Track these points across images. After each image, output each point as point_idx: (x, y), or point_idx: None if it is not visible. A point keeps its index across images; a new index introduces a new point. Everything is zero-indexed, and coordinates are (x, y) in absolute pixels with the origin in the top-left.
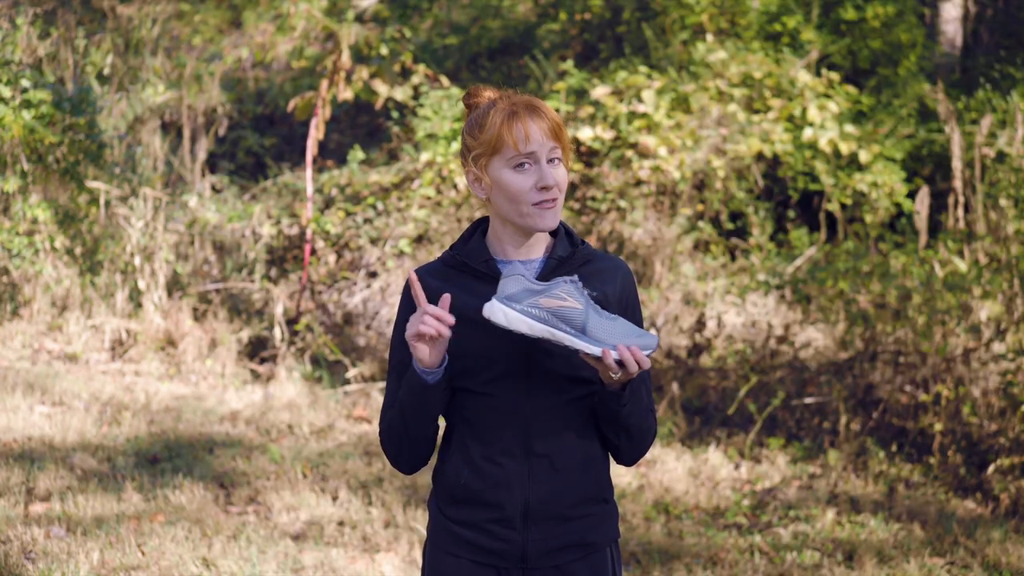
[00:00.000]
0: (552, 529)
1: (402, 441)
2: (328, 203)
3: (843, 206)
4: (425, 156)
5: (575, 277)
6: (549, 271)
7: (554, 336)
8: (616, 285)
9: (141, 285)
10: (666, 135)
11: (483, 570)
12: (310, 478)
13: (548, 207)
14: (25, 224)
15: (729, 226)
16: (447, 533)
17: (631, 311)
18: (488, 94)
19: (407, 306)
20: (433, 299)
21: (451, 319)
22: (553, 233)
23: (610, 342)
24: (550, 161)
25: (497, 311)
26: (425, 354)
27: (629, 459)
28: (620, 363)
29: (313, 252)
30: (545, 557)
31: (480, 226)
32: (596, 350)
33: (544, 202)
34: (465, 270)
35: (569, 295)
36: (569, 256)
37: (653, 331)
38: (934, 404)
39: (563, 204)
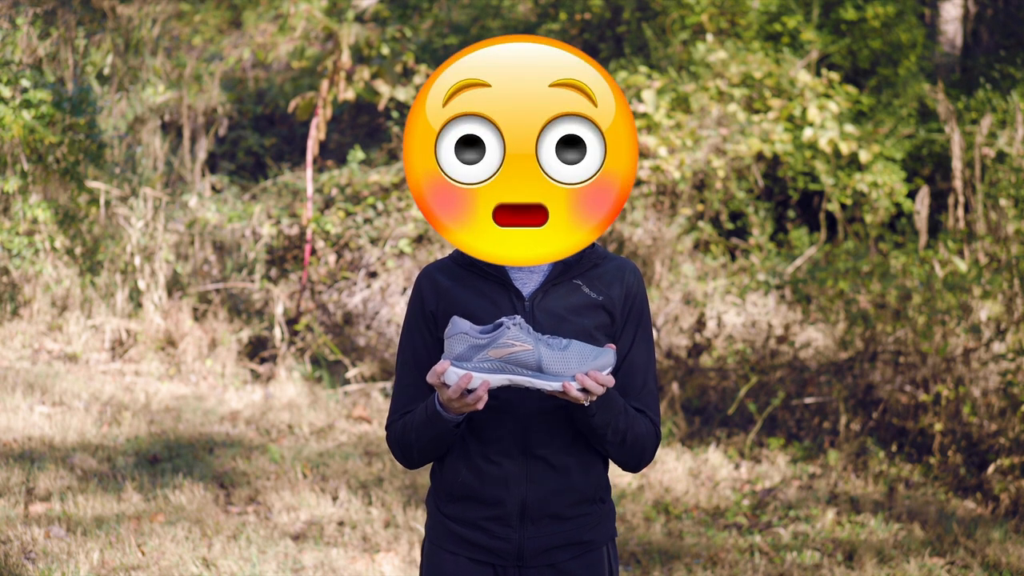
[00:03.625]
0: (548, 528)
1: (414, 455)
2: (328, 203)
3: (843, 206)
4: None
5: (517, 317)
6: (556, 275)
7: (513, 381)
8: (621, 287)
9: (141, 285)
10: (666, 135)
11: (480, 568)
12: (310, 478)
13: None
14: (25, 224)
15: (729, 226)
16: (445, 531)
17: (637, 311)
18: None
19: (416, 306)
20: (442, 297)
21: (484, 397)
22: None
23: (568, 374)
24: None
25: (451, 375)
26: (463, 411)
27: (626, 467)
28: (583, 390)
29: (313, 252)
30: (541, 555)
31: None
32: (556, 386)
33: None
34: (474, 270)
35: (516, 339)
36: (577, 260)
37: (653, 332)
38: (934, 404)
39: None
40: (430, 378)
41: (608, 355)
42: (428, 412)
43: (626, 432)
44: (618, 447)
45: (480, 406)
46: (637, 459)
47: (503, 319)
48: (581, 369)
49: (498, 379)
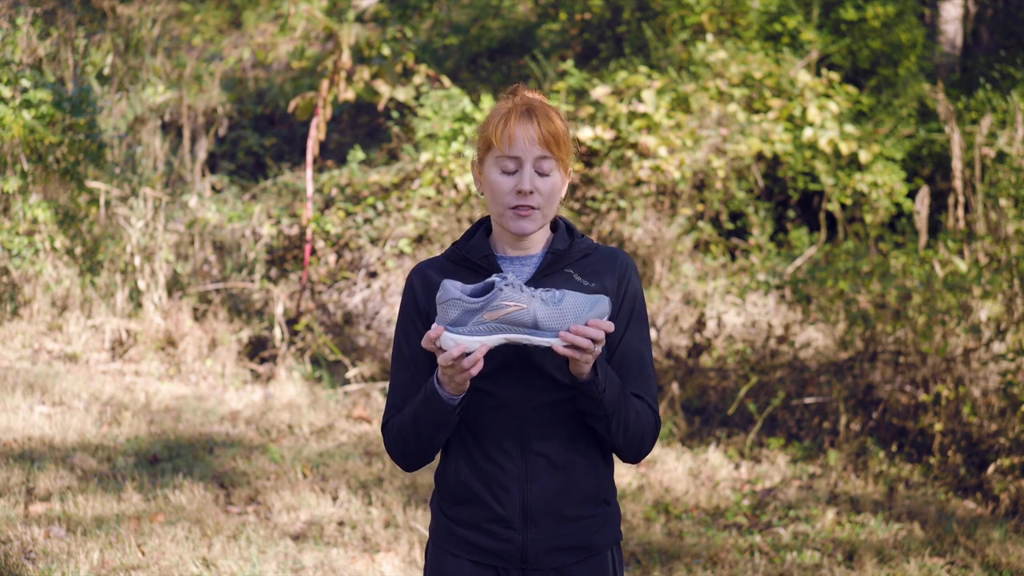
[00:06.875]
0: (552, 529)
1: (412, 447)
2: (328, 203)
3: (843, 206)
4: (425, 156)
5: (508, 276)
6: (547, 265)
7: (510, 340)
8: (614, 276)
9: (141, 285)
10: (666, 135)
11: (483, 570)
12: (310, 478)
13: (523, 213)
14: (25, 224)
15: (729, 226)
16: (448, 533)
17: (631, 297)
18: (523, 95)
19: (409, 302)
20: (433, 292)
21: (481, 362)
22: (554, 228)
23: (564, 326)
24: (538, 168)
25: (447, 340)
26: (459, 388)
27: (627, 454)
28: (570, 346)
29: (313, 252)
30: (545, 558)
31: (483, 224)
32: (547, 342)
33: (520, 207)
34: (466, 265)
35: (508, 299)
36: (567, 249)
37: (653, 331)
38: (934, 404)
39: (551, 213)
40: (425, 343)
41: (603, 303)
42: (427, 392)
43: (628, 415)
44: (622, 432)
45: (475, 371)
46: (638, 445)
47: (493, 277)
48: (578, 321)
49: (495, 339)
